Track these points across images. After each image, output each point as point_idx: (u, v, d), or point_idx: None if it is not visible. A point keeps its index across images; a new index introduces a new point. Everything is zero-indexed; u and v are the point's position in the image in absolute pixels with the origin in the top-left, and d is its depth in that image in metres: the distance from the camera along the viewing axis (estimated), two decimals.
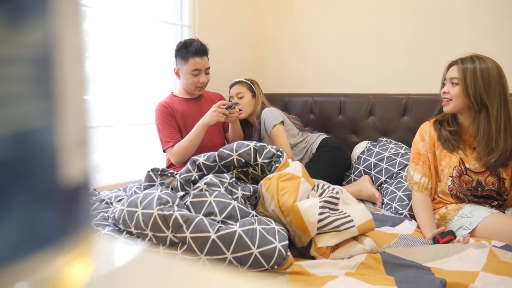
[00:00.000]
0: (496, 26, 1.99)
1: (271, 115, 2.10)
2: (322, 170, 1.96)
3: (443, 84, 1.56)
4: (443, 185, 1.58)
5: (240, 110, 2.13)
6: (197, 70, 1.96)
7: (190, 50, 1.94)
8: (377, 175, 1.99)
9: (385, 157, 2.01)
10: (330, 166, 2.06)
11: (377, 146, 2.10)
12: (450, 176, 1.56)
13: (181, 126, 1.98)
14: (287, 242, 1.11)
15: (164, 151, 1.97)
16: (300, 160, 2.08)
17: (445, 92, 1.53)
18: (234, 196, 1.27)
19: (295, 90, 2.65)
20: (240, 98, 2.19)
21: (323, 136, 2.20)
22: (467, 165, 1.53)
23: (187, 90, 2.04)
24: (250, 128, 2.29)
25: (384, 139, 2.17)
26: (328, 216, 1.15)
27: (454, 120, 1.58)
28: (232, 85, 2.29)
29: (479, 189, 1.52)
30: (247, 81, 2.27)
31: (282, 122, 2.10)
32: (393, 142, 2.11)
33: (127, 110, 2.05)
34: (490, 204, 1.54)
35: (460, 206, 1.52)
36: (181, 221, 1.08)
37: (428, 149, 1.62)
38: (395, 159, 1.98)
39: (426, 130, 1.63)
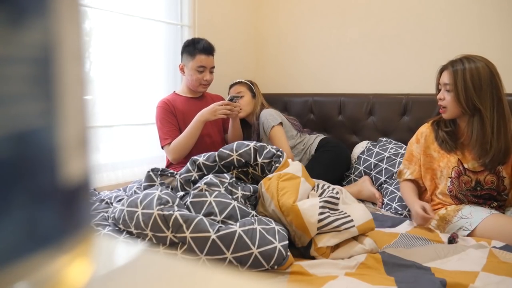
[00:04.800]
0: (497, 25, 1.99)
1: (270, 116, 2.11)
2: (322, 170, 1.96)
3: (438, 89, 1.57)
4: (442, 186, 1.58)
5: (240, 109, 2.15)
6: (202, 67, 1.98)
7: (197, 47, 1.97)
8: (377, 175, 1.99)
9: (385, 157, 2.01)
10: (330, 165, 2.06)
11: (377, 146, 2.10)
12: (449, 177, 1.56)
13: (181, 125, 1.99)
14: (287, 242, 1.11)
15: (162, 148, 1.97)
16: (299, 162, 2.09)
17: (440, 99, 1.53)
18: (234, 196, 1.27)
19: (295, 90, 2.65)
20: (241, 97, 2.20)
21: (321, 137, 2.21)
22: (465, 165, 1.53)
23: (191, 87, 2.05)
24: (248, 129, 2.29)
25: (384, 139, 2.17)
26: (328, 216, 1.15)
27: (451, 121, 1.58)
28: (231, 86, 2.30)
29: (478, 188, 1.52)
30: (247, 81, 2.29)
31: (281, 123, 2.11)
32: (393, 142, 2.11)
33: (127, 110, 2.05)
34: (489, 205, 1.53)
35: (460, 207, 1.52)
36: (181, 221, 1.08)
37: (421, 151, 1.64)
38: (395, 159, 1.98)
39: (423, 132, 1.65)
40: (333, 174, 2.04)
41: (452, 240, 1.34)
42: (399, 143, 2.08)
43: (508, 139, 1.45)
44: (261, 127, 2.14)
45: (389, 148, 2.05)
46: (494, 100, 1.43)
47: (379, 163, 2.01)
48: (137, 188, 1.50)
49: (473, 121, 1.47)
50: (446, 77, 1.50)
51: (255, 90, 2.28)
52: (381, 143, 2.12)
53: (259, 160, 1.37)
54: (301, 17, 2.64)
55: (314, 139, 2.18)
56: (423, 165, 1.63)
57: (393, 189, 1.86)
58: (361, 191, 1.93)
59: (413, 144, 1.68)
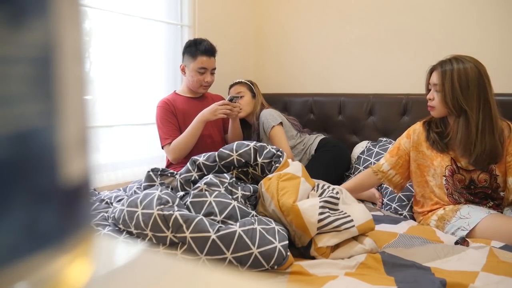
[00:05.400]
0: (495, 25, 1.99)
1: (270, 116, 2.11)
2: (322, 170, 1.96)
3: (428, 89, 1.58)
4: (438, 184, 1.59)
5: (240, 109, 2.15)
6: (203, 68, 1.98)
7: (199, 48, 1.97)
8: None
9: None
10: (330, 165, 2.06)
11: (377, 146, 2.10)
12: (444, 176, 1.56)
13: (181, 125, 1.99)
14: (287, 242, 1.11)
15: (162, 147, 1.98)
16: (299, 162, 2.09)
17: (430, 99, 1.55)
18: (234, 196, 1.27)
19: (295, 90, 2.65)
20: (241, 97, 2.20)
21: (321, 137, 2.21)
22: (458, 164, 1.54)
23: (191, 87, 2.05)
24: (248, 129, 2.30)
25: (384, 139, 2.17)
26: (328, 216, 1.15)
27: (442, 121, 1.59)
28: (232, 86, 2.31)
29: (472, 187, 1.53)
30: (247, 81, 2.30)
31: (281, 123, 2.11)
32: (393, 142, 2.10)
33: (127, 110, 2.05)
34: (486, 205, 1.54)
35: (458, 207, 1.52)
36: (181, 221, 1.08)
37: (410, 146, 1.65)
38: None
39: (416, 129, 1.66)
40: (333, 174, 2.04)
41: (460, 245, 1.34)
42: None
43: (496, 139, 1.45)
44: (261, 127, 2.15)
45: (389, 148, 2.05)
46: (480, 101, 1.44)
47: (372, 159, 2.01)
48: (137, 188, 1.50)
49: (459, 121, 1.48)
50: (435, 78, 1.52)
51: (255, 90, 2.28)
52: (381, 143, 2.12)
53: (259, 160, 1.37)
54: (301, 17, 2.64)
55: (314, 139, 2.18)
56: (414, 160, 1.64)
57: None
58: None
59: (402, 139, 1.69)
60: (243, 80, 2.31)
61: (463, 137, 1.47)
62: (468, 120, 1.45)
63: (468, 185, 1.53)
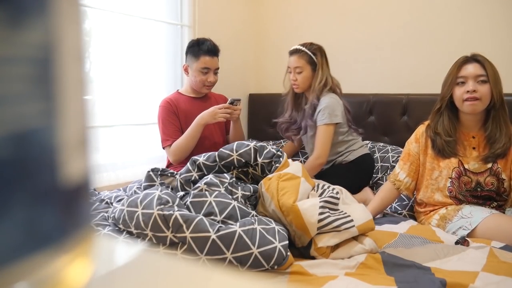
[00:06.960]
0: (495, 25, 1.99)
1: (332, 112, 1.85)
2: (347, 183, 1.78)
3: (454, 84, 1.51)
4: (441, 187, 1.58)
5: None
6: (206, 68, 1.98)
7: (202, 48, 1.96)
8: (379, 181, 1.99)
9: (388, 167, 2.01)
10: (357, 183, 1.95)
11: (377, 146, 2.09)
12: (449, 178, 1.55)
13: (183, 125, 1.98)
14: (287, 242, 1.11)
15: (163, 148, 1.98)
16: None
17: (474, 91, 1.46)
18: (234, 196, 1.27)
19: None
20: (299, 73, 1.93)
21: (366, 150, 2.03)
22: (466, 166, 1.53)
23: (194, 87, 2.04)
24: (299, 99, 2.07)
25: (381, 144, 2.15)
26: (328, 216, 1.15)
27: (452, 127, 1.55)
28: (291, 53, 1.98)
29: (479, 189, 1.52)
30: (307, 50, 1.93)
31: (337, 124, 1.91)
32: (390, 146, 2.10)
33: (127, 110, 2.05)
34: (489, 205, 1.53)
35: (460, 207, 1.52)
36: (181, 221, 1.08)
37: (420, 150, 1.63)
38: (395, 165, 1.96)
39: (423, 132, 1.63)
40: (353, 190, 1.87)
41: (461, 244, 1.33)
42: (397, 147, 2.08)
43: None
44: (316, 112, 1.90)
45: (387, 156, 2.04)
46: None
47: (379, 175, 2.02)
48: (137, 188, 1.50)
49: (499, 115, 1.48)
50: (478, 69, 1.48)
51: (317, 60, 1.92)
52: (379, 147, 2.11)
53: (259, 160, 1.37)
54: (301, 17, 2.64)
55: (358, 148, 2.00)
56: (422, 164, 1.63)
57: None
58: (366, 201, 1.91)
59: (411, 143, 1.66)
60: (303, 49, 1.91)
61: (507, 129, 1.48)
62: (506, 112, 1.48)
63: (474, 187, 1.52)
